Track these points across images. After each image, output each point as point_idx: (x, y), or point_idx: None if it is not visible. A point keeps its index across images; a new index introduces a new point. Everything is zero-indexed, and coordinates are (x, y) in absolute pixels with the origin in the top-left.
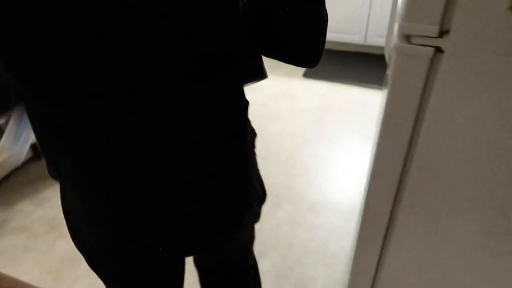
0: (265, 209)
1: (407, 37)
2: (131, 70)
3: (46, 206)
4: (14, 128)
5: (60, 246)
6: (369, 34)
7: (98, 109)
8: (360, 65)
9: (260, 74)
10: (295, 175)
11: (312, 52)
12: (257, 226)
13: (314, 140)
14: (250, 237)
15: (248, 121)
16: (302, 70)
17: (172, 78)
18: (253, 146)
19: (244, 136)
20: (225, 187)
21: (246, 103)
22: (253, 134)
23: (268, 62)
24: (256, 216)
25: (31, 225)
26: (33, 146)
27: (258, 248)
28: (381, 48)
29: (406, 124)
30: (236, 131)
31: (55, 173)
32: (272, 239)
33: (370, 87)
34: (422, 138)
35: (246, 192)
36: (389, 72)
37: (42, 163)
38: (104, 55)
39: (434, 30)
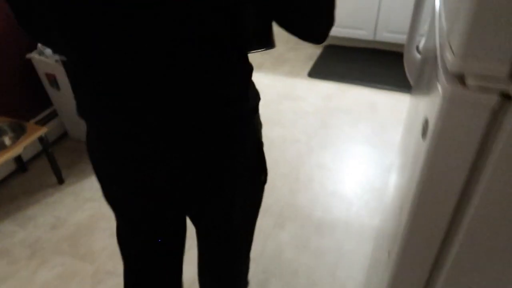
0: (267, 230)
1: (459, 77)
2: (146, 35)
3: (29, 227)
4: None
5: (41, 274)
6: (379, 29)
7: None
8: (368, 63)
9: (267, 42)
10: (299, 189)
11: (320, 26)
12: (259, 252)
13: (319, 148)
14: (242, 223)
15: (250, 86)
16: (306, 69)
17: (180, 43)
18: (255, 110)
19: (244, 99)
20: (215, 143)
21: (249, 69)
22: (256, 99)
23: (271, 61)
24: (247, 190)
25: (11, 249)
26: (16, 159)
27: (259, 277)
28: (392, 44)
29: (453, 190)
30: (236, 94)
31: (82, 113)
32: (275, 267)
33: (379, 88)
34: (473, 209)
35: (234, 154)
36: (430, 117)
37: (27, 176)
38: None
39: (501, 68)
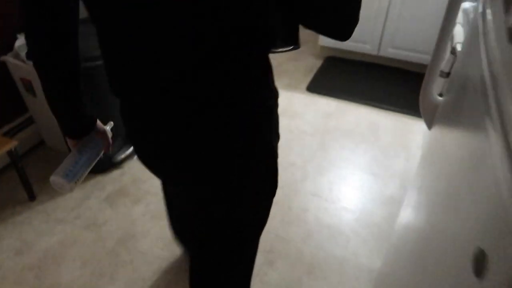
0: (255, 267)
1: None
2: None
3: None
4: (68, 163)
5: None
6: (383, 44)
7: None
8: (370, 79)
9: (293, 42)
10: (293, 221)
11: (347, 26)
12: None
13: (315, 173)
14: (233, 222)
15: (263, 85)
16: (305, 82)
17: (202, 37)
18: (266, 111)
19: (252, 98)
20: (217, 139)
21: (265, 68)
22: (268, 100)
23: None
24: (249, 197)
25: None
26: None
27: None
28: (396, 60)
29: None
30: (245, 92)
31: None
32: None
33: (381, 107)
34: None
35: (236, 153)
36: (491, 254)
37: None
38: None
39: None
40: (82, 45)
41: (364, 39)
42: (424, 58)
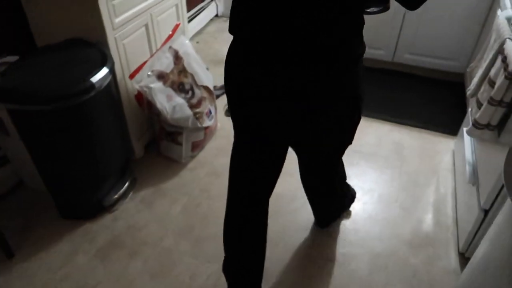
0: None
1: None
2: None
3: None
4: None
5: None
6: (399, 50)
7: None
8: (386, 90)
9: (383, 3)
10: (315, 275)
11: None
12: None
13: None
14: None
15: (361, 37)
16: None
17: None
18: (361, 56)
19: (357, 45)
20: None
21: (362, 25)
22: (363, 49)
23: None
24: (340, 125)
25: None
26: None
27: None
28: (411, 66)
29: None
30: (355, 40)
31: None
32: None
33: (403, 123)
34: None
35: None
36: None
37: None
38: None
39: None
40: (70, 79)
41: (377, 45)
42: (443, 64)
